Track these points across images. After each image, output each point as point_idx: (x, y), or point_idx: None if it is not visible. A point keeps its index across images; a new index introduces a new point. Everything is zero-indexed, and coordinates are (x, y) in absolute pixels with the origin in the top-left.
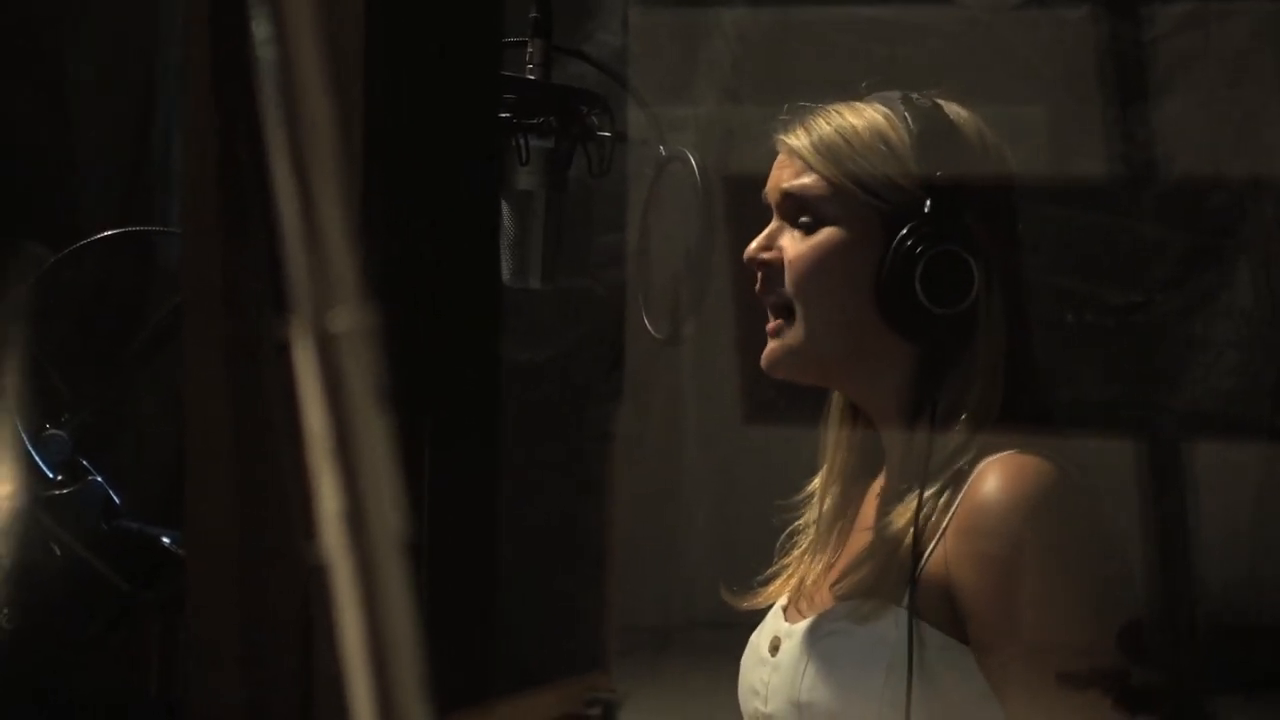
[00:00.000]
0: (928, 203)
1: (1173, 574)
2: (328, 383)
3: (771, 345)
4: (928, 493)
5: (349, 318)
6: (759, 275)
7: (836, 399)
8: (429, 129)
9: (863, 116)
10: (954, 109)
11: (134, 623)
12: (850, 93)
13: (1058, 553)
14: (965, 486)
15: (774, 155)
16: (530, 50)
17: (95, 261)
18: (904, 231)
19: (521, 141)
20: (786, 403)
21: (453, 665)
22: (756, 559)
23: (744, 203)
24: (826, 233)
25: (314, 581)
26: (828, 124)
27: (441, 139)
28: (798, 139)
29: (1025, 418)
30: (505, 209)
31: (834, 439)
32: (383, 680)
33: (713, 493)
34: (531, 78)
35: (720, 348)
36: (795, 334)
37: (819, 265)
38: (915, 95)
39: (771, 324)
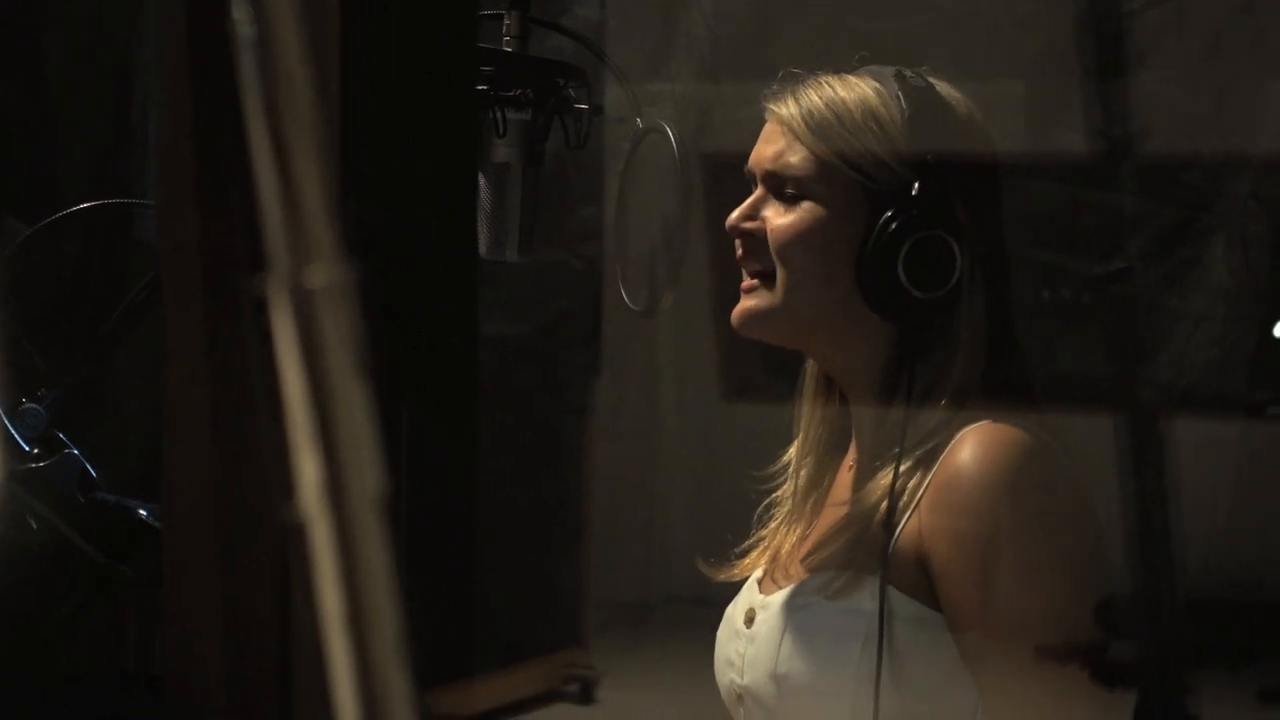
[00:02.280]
0: (915, 185)
1: (1152, 547)
2: (305, 338)
3: (744, 304)
4: (902, 466)
5: (326, 273)
6: (740, 244)
7: (811, 369)
8: (405, 102)
9: (854, 91)
10: (946, 88)
11: (111, 595)
12: (836, 66)
13: (1032, 524)
14: (941, 457)
15: (759, 125)
16: (507, 22)
17: (72, 234)
18: (889, 213)
19: (498, 114)
20: (765, 376)
21: (431, 642)
22: (734, 533)
23: (722, 176)
24: (810, 207)
25: (293, 548)
26: (818, 96)
27: (418, 111)
28: (787, 109)
29: (1005, 393)
30: (482, 182)
31: (808, 410)
32: (362, 644)
33: (690, 467)
34: (508, 50)
35: (698, 321)
36: (771, 297)
37: (801, 238)
38: (909, 73)
39: (747, 282)
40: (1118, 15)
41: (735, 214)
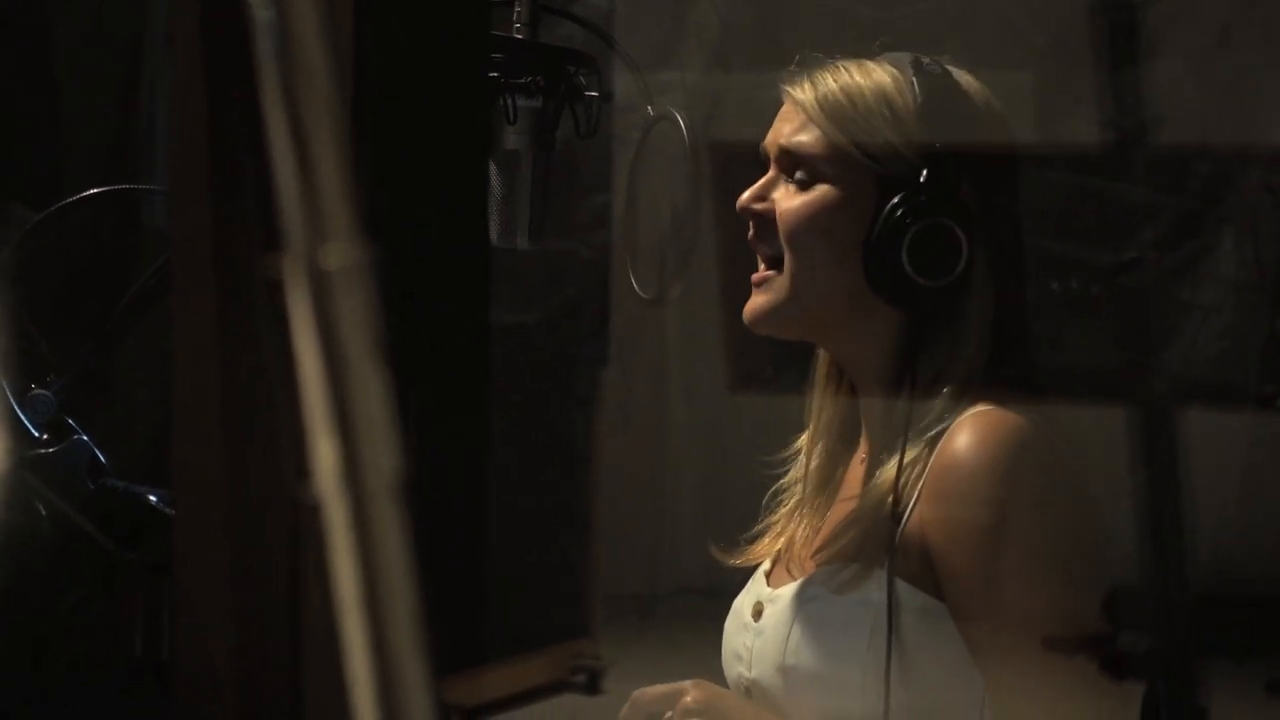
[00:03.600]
0: (924, 173)
1: (1160, 539)
2: (321, 320)
3: (755, 299)
4: (908, 456)
5: (343, 253)
6: (751, 224)
7: (822, 357)
8: (416, 89)
9: (870, 77)
10: (964, 77)
11: (120, 582)
12: (846, 54)
13: (1028, 509)
14: (938, 445)
15: (770, 113)
16: (518, 9)
17: (80, 221)
18: (896, 200)
19: (509, 101)
20: (774, 366)
21: (439, 631)
22: (743, 523)
23: (732, 165)
24: (820, 191)
25: (305, 533)
26: (834, 81)
27: (429, 98)
28: (803, 92)
29: (1013, 384)
30: (492, 169)
31: (819, 400)
32: (377, 626)
33: (699, 457)
34: (519, 37)
35: (708, 310)
36: (780, 289)
37: (810, 222)
38: (926, 60)
39: (758, 274)
40: (1128, 6)
41: (746, 195)
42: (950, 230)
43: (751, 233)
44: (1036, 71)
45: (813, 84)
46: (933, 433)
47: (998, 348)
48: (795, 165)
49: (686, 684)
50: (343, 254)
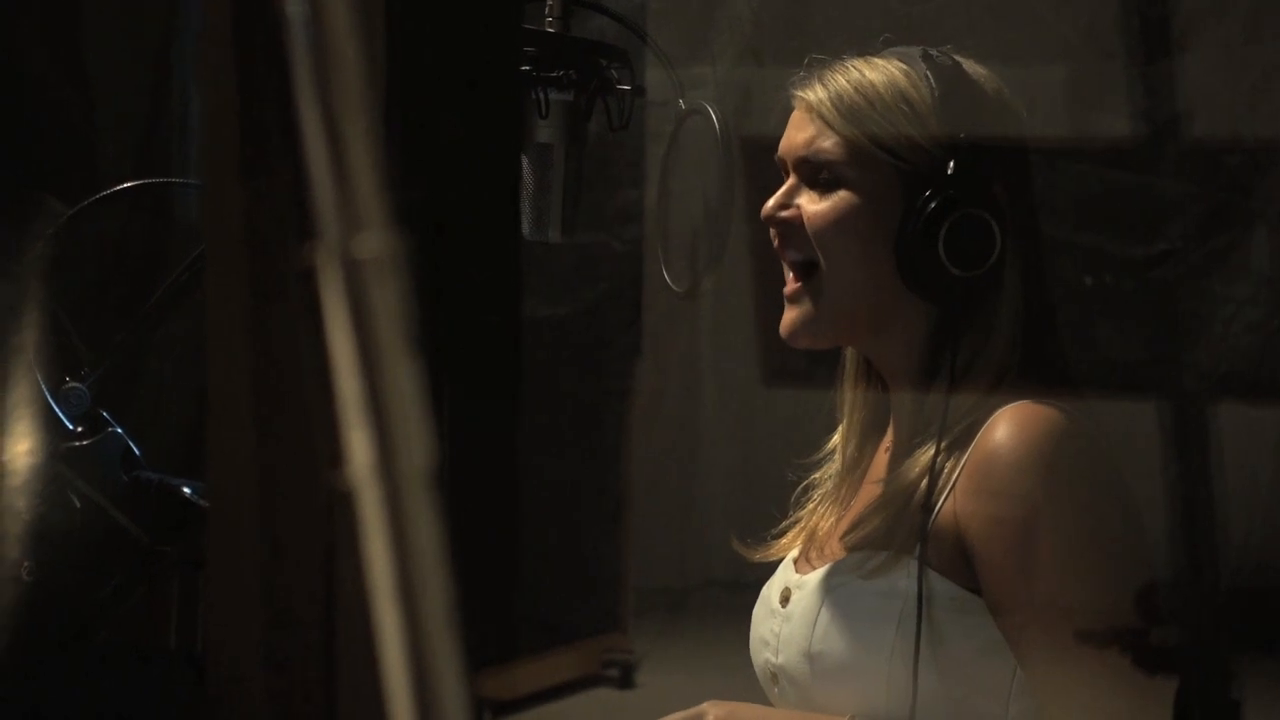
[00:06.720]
0: (951, 164)
1: (1193, 532)
2: (354, 311)
3: (790, 314)
4: (940, 448)
5: (375, 243)
6: (776, 233)
7: (851, 354)
8: (449, 83)
9: (882, 73)
10: (973, 66)
11: (155, 574)
12: (868, 48)
13: (1070, 503)
14: (976, 437)
15: (790, 112)
16: (550, 3)
17: (113, 214)
18: (927, 194)
19: (541, 95)
20: (805, 360)
21: (471, 624)
22: (774, 517)
23: (764, 159)
24: (845, 192)
25: (339, 525)
26: (846, 81)
27: (461, 93)
28: (815, 95)
29: (1045, 377)
30: (524, 162)
31: (850, 396)
32: (412, 617)
33: (730, 450)
34: (551, 31)
35: (739, 304)
36: (814, 299)
37: (839, 224)
38: (935, 52)
39: (790, 288)
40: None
41: (770, 203)
42: (984, 221)
43: (777, 241)
44: (1067, 65)
45: (824, 85)
46: (964, 425)
47: (1029, 341)
48: (816, 170)
49: (704, 706)
50: (375, 245)
